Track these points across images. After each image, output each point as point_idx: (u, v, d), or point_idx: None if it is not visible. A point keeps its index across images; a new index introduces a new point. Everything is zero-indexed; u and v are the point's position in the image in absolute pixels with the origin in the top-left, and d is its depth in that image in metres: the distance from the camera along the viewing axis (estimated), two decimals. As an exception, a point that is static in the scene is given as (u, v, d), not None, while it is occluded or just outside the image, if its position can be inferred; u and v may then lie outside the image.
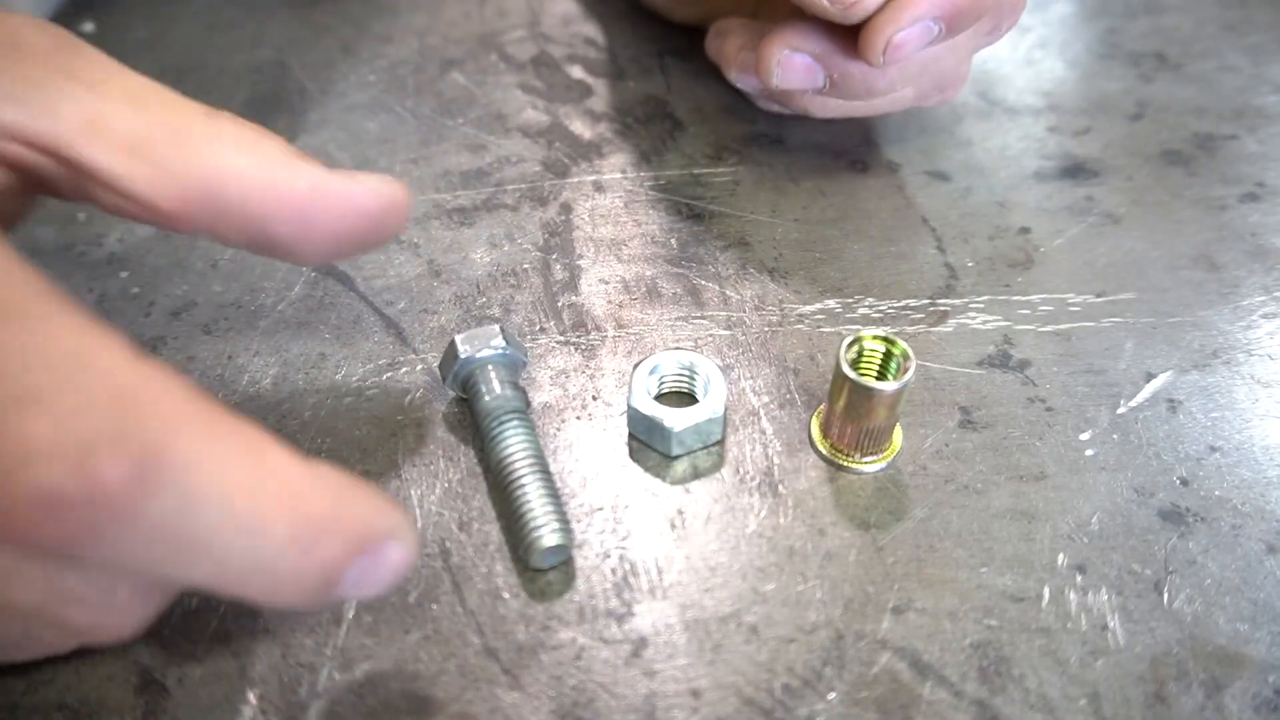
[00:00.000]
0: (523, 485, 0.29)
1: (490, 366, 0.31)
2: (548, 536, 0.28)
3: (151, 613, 0.24)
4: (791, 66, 0.37)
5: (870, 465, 0.31)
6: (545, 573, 0.29)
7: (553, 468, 0.32)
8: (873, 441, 0.31)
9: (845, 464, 0.31)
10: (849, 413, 0.30)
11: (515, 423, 0.30)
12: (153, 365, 0.20)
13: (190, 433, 0.19)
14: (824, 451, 0.32)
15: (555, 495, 0.29)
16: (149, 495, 0.19)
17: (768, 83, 0.38)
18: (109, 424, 0.18)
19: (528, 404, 0.32)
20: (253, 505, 0.20)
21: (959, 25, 0.35)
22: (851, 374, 0.29)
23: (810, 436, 0.33)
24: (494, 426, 0.30)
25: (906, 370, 0.29)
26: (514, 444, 0.30)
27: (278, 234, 0.26)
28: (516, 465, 0.29)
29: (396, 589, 0.29)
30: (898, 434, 0.32)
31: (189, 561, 0.20)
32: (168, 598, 0.25)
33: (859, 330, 0.30)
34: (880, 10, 0.34)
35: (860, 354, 0.30)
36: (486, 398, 0.31)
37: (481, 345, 0.31)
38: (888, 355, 0.30)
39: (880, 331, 0.30)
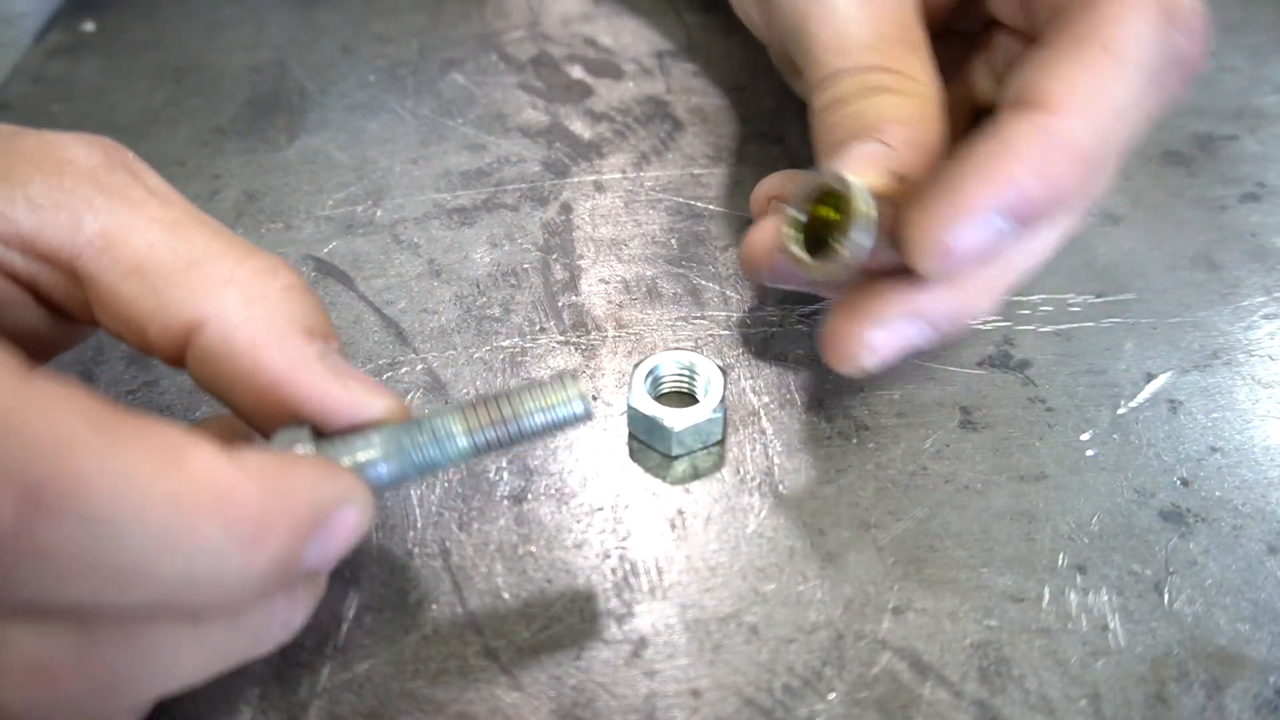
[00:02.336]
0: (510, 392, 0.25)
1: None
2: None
3: None
4: (887, 348, 0.29)
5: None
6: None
7: (553, 468, 0.32)
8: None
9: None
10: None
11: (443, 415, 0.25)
12: (43, 382, 0.18)
13: (85, 450, 0.18)
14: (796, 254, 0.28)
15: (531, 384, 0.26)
16: (44, 527, 0.17)
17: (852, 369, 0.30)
18: None
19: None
20: (173, 514, 0.18)
21: (1036, 219, 0.27)
22: (796, 251, 0.26)
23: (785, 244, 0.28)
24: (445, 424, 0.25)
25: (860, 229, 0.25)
26: (460, 408, 0.25)
27: (238, 401, 0.24)
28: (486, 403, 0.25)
29: (397, 592, 0.29)
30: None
31: (120, 586, 0.19)
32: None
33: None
34: (928, 203, 0.26)
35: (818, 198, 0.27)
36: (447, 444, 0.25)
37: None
38: (842, 203, 0.26)
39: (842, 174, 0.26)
